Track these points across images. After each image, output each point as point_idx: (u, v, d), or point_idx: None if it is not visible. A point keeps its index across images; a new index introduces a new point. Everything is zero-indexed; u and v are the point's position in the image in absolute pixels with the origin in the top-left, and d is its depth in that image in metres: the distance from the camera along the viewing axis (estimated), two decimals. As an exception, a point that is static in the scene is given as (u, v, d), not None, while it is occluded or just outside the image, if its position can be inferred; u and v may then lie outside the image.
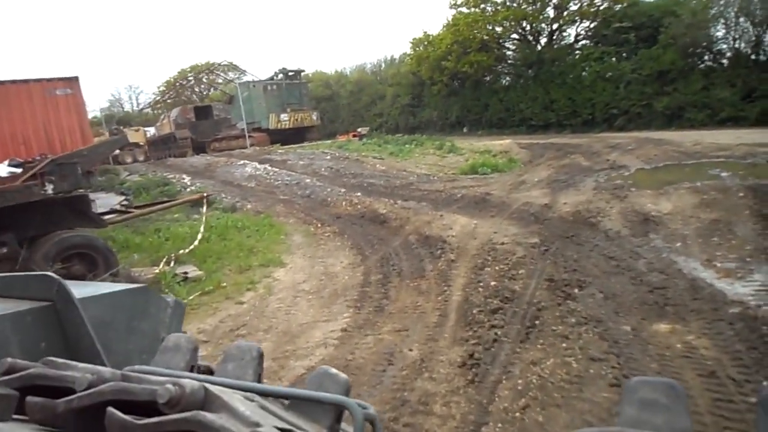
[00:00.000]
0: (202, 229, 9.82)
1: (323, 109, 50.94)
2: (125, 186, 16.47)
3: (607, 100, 28.52)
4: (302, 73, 35.33)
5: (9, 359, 0.77)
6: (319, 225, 11.67)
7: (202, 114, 37.33)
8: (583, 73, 30.52)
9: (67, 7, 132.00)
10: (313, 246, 9.74)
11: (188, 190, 16.49)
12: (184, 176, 18.67)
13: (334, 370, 0.76)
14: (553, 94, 31.20)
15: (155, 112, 43.75)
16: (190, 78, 37.78)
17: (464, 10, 36.26)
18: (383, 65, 53.96)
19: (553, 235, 8.79)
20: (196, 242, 9.45)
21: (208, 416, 0.56)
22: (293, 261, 8.61)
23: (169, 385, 0.59)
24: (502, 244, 8.42)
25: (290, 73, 34.58)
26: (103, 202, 15.45)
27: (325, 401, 0.69)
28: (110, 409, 0.61)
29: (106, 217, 9.05)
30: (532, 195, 12.76)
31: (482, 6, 35.28)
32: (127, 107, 68.25)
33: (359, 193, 14.86)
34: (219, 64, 41.62)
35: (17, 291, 1.20)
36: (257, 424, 0.57)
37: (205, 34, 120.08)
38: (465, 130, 37.11)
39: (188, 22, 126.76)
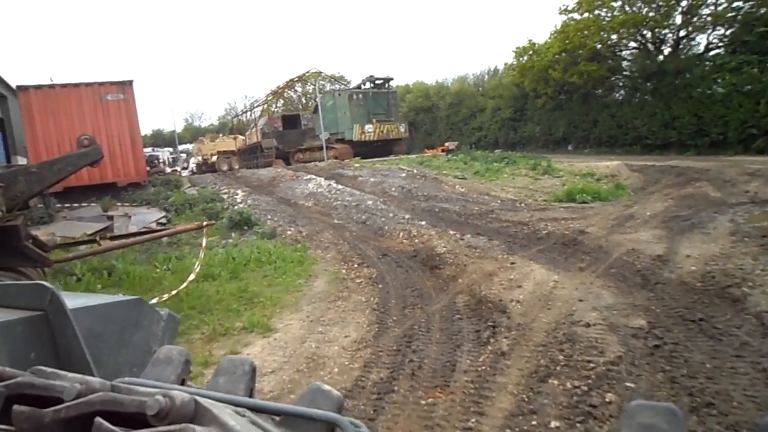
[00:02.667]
0: (196, 267, 7.75)
1: (421, 120, 48.95)
2: (170, 201, 15.05)
3: (744, 117, 23.83)
4: (391, 81, 33.08)
5: None
6: (357, 265, 9.30)
7: (289, 123, 36.36)
8: (715, 86, 25.96)
9: (186, 19, 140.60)
10: (330, 300, 7.37)
11: (235, 208, 14.77)
12: (239, 192, 17.05)
13: (327, 387, 0.75)
14: (675, 109, 26.83)
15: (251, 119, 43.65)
16: (279, 88, 36.99)
17: (576, 16, 32.69)
18: (486, 76, 51.35)
19: (670, 315, 5.82)
20: (183, 285, 7.39)
21: (198, 429, 0.56)
22: (287, 328, 6.26)
23: (159, 397, 0.59)
24: (588, 326, 5.59)
25: (378, 81, 32.51)
26: (139, 219, 14.14)
27: (317, 418, 0.68)
28: (98, 419, 0.61)
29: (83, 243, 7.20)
30: (642, 238, 9.63)
31: (596, 11, 31.56)
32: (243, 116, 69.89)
33: (424, 222, 12.35)
34: (317, 73, 40.61)
35: (9, 300, 1.17)
36: None
37: (311, 44, 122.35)
38: (570, 147, 33.41)
39: (294, 32, 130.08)
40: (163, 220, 13.83)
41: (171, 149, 65.35)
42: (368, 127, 30.03)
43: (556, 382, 4.37)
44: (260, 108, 38.15)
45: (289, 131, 35.76)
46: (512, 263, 8.42)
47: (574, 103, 33.40)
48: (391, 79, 32.82)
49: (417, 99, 50.29)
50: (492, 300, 6.66)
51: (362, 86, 32.41)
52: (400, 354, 5.26)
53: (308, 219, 13.84)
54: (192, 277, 7.55)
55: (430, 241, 10.43)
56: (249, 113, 40.06)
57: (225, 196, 16.28)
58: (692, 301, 6.22)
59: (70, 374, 0.72)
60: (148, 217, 13.86)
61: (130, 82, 15.85)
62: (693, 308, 5.95)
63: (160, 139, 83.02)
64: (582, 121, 32.67)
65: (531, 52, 35.73)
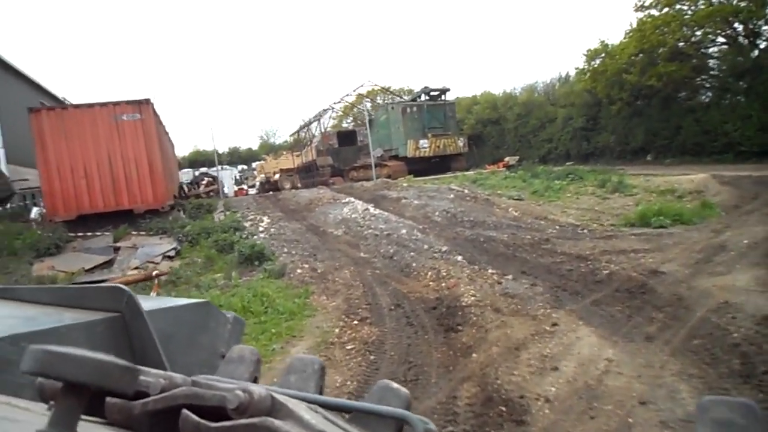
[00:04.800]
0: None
1: (488, 133, 46.39)
2: (186, 230, 13.77)
3: None
4: (448, 93, 30.83)
5: None
6: (358, 321, 7.46)
7: (346, 140, 35.07)
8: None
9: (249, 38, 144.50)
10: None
11: (255, 237, 13.29)
12: (265, 219, 15.54)
13: (395, 385, 0.76)
14: (774, 110, 23.25)
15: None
16: (336, 103, 35.85)
17: (654, 12, 29.47)
18: (556, 84, 48.23)
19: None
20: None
21: (276, 422, 0.57)
22: None
23: (239, 392, 0.61)
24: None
25: (434, 93, 30.42)
26: (145, 251, 12.89)
27: (386, 415, 0.70)
28: (185, 411, 0.63)
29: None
30: (738, 284, 7.21)
31: (677, 6, 28.27)
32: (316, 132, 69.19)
33: (460, 257, 10.34)
34: (374, 90, 39.24)
35: (89, 301, 1.22)
36: None
37: (373, 56, 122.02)
38: (649, 158, 30.04)
39: (359, 45, 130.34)
40: (172, 253, 12.56)
41: (245, 167, 66.12)
42: (423, 143, 28.01)
43: None
44: (315, 124, 37.03)
45: (345, 148, 34.47)
46: (554, 324, 6.30)
47: (653, 108, 30.04)
48: (448, 90, 30.62)
49: (484, 110, 47.74)
50: (509, 397, 4.62)
51: (417, 99, 30.38)
52: None
53: (331, 252, 12.13)
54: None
55: (457, 286, 8.42)
56: (305, 130, 39.09)
57: (248, 224, 14.85)
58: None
59: (153, 371, 0.75)
60: (155, 249, 12.64)
61: (147, 101, 14.80)
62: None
63: (236, 157, 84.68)
64: (662, 129, 29.24)
65: (603, 55, 32.61)
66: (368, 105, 42.98)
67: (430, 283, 9.16)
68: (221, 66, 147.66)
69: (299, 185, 34.11)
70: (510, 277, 8.91)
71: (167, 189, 15.60)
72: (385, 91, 41.94)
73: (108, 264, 12.33)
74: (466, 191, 17.90)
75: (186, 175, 40.54)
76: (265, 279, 10.20)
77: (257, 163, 62.97)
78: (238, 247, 11.80)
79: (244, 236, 13.33)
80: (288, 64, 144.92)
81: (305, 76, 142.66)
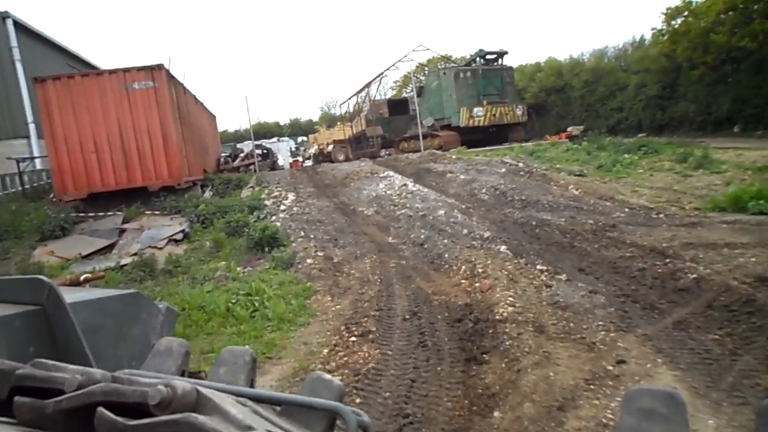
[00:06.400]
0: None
1: (552, 102, 43.30)
2: (199, 210, 12.35)
3: None
4: (505, 56, 27.95)
5: None
6: (359, 335, 5.77)
7: (397, 109, 33.00)
8: None
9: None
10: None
11: (273, 218, 11.74)
12: (290, 196, 13.88)
13: (327, 376, 0.76)
14: None
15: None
16: (387, 70, 33.59)
17: (749, -38, 25.66)
18: (629, 48, 44.26)
19: None
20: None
21: (200, 418, 0.55)
22: None
23: (161, 387, 0.59)
24: None
25: (489, 57, 27.67)
26: (150, 234, 11.48)
27: (318, 407, 0.69)
28: (100, 409, 0.61)
29: None
30: None
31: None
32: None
33: (504, 247, 8.45)
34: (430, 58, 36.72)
35: (6, 294, 1.17)
36: (249, 428, 0.56)
37: (434, 23, 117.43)
38: (736, 129, 26.59)
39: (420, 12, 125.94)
40: (179, 236, 11.17)
41: (304, 138, 65.22)
42: (478, 111, 25.58)
43: None
44: (365, 93, 35.09)
45: (396, 117, 32.44)
46: (620, 362, 4.40)
47: (744, 73, 26.44)
48: (506, 53, 27.80)
49: (548, 78, 44.46)
50: None
51: (472, 63, 27.76)
52: None
53: (356, 236, 10.46)
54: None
55: (495, 289, 6.56)
56: (358, 99, 37.22)
57: (270, 202, 13.28)
58: None
59: (71, 366, 0.72)
60: (162, 231, 11.30)
61: (160, 66, 13.28)
62: None
63: (297, 128, 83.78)
64: (753, 96, 25.66)
65: (686, 13, 29.05)
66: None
67: (462, 281, 7.36)
68: (283, 36, 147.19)
69: (351, 156, 32.57)
70: (563, 277, 6.98)
71: (184, 164, 14.18)
72: (446, 59, 39.20)
73: (109, 248, 11.13)
74: (520, 165, 15.74)
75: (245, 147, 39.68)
76: (270, 270, 8.67)
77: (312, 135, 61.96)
78: (248, 230, 10.28)
79: (262, 216, 11.81)
80: (349, 32, 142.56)
81: (367, 44, 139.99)
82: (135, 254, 10.57)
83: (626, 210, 10.81)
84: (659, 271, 7.01)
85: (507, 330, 5.35)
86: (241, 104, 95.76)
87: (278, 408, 0.70)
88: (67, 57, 24.74)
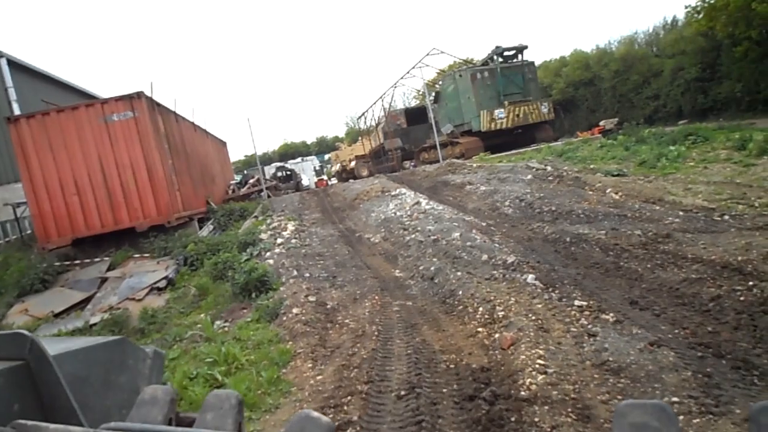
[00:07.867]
0: None
1: (581, 96, 41.12)
2: (188, 250, 10.94)
3: None
4: (524, 51, 25.82)
5: None
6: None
7: (415, 118, 31.38)
8: None
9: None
10: None
11: (267, 254, 10.22)
12: (289, 226, 12.32)
13: (315, 414, 0.72)
14: None
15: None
16: (402, 78, 31.91)
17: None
18: (661, 31, 41.80)
19: None
20: None
21: None
22: None
23: None
24: None
25: (508, 54, 25.67)
26: (130, 284, 10.00)
27: None
28: None
29: None
30: None
31: None
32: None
33: (532, 276, 6.73)
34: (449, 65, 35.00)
35: None
36: None
37: (451, 27, 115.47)
38: (790, 106, 24.11)
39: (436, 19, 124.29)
40: (163, 283, 9.76)
41: (330, 156, 64.34)
42: (499, 113, 23.68)
43: None
44: (379, 104, 33.65)
45: (414, 127, 30.84)
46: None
47: (794, 44, 24.04)
48: (525, 47, 25.76)
49: (575, 71, 42.30)
50: None
51: (489, 62, 25.85)
52: None
53: (358, 270, 8.89)
54: None
55: (519, 344, 4.86)
56: (372, 111, 35.86)
57: (266, 235, 11.74)
58: None
59: (52, 426, 0.70)
60: (144, 279, 9.91)
61: (140, 95, 11.96)
62: None
63: (324, 146, 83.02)
64: (807, 68, 23.28)
65: (723, -14, 26.74)
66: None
67: (479, 329, 5.68)
68: (307, 54, 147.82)
69: (373, 171, 31.10)
70: (610, 317, 5.24)
71: (175, 199, 12.85)
72: (467, 62, 37.36)
73: (86, 302, 9.81)
74: (548, 168, 13.91)
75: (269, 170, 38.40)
76: (252, 323, 7.15)
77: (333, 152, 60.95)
78: (232, 273, 8.77)
79: (256, 252, 10.31)
80: (372, 43, 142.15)
81: (390, 54, 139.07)
82: (109, 309, 9.21)
83: (680, 213, 8.91)
84: (741, 299, 5.21)
85: (537, 418, 3.65)
86: (270, 127, 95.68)
87: None
88: (66, 90, 23.96)
